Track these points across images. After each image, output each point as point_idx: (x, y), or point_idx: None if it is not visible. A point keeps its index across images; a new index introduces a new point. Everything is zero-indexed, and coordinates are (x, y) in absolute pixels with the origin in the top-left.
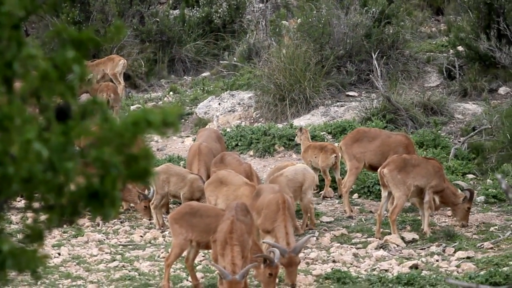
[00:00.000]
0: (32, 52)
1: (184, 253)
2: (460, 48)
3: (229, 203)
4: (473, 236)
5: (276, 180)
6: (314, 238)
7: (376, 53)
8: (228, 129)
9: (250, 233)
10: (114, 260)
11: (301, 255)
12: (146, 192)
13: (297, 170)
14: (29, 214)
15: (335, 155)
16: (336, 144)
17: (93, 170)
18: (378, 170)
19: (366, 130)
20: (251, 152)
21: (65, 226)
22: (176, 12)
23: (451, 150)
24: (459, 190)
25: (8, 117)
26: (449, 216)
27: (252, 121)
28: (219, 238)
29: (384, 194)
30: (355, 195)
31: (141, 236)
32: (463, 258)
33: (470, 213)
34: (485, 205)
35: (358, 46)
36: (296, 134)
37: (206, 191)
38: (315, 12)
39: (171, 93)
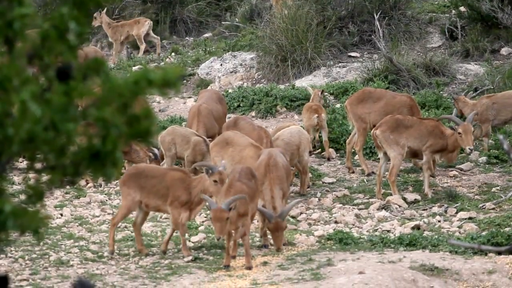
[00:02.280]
0: (25, 12)
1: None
2: (462, 8)
3: (234, 163)
4: (475, 196)
5: (273, 145)
6: (316, 199)
7: (378, 13)
8: (230, 90)
9: (253, 197)
10: None
11: (303, 216)
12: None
13: (292, 133)
14: (31, 175)
15: (316, 115)
16: (338, 105)
17: (94, 130)
18: (372, 131)
19: (371, 90)
20: (253, 113)
21: (67, 187)
22: None
23: (453, 110)
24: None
25: (7, 78)
26: (451, 177)
27: (254, 82)
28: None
29: (380, 155)
30: (357, 156)
31: None
32: (465, 219)
33: (472, 174)
34: (487, 165)
35: (360, 6)
36: None
37: (212, 151)
38: None
39: (173, 54)
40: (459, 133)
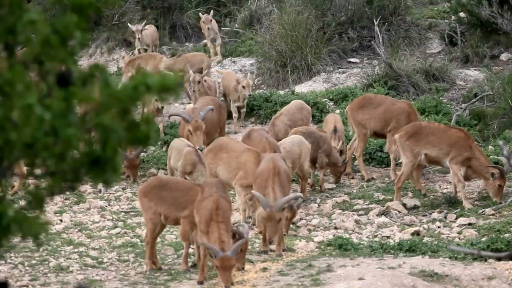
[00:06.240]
0: (33, 18)
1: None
2: (461, 14)
3: (231, 170)
4: (475, 202)
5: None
6: (316, 205)
7: (378, 19)
8: None
9: (230, 210)
10: (116, 227)
11: (302, 221)
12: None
13: (293, 141)
14: (31, 181)
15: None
16: (338, 111)
17: (92, 135)
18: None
19: (372, 96)
20: (253, 119)
21: (67, 192)
22: None
23: (453, 116)
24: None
25: (9, 83)
26: (450, 182)
27: (253, 87)
28: (204, 215)
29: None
30: (357, 162)
31: None
32: (465, 225)
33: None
34: None
35: (359, 12)
36: None
37: (206, 158)
38: None
39: None
40: (499, 185)
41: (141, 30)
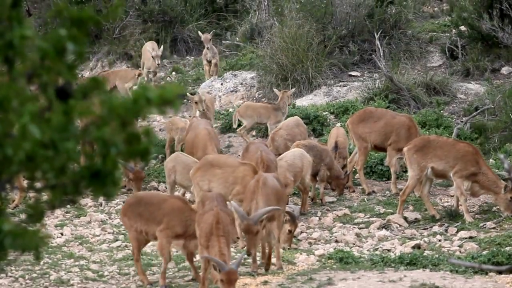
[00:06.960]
0: (27, 34)
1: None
2: (462, 27)
3: (228, 185)
4: (476, 216)
5: (270, 171)
6: (317, 218)
7: (379, 33)
8: (231, 109)
9: (230, 224)
10: (117, 240)
11: (303, 235)
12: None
13: (295, 155)
14: (31, 194)
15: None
16: (338, 124)
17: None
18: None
19: (373, 110)
20: (253, 132)
21: (68, 206)
22: None
23: (454, 130)
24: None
25: (6, 98)
26: (451, 196)
27: (254, 101)
28: (204, 229)
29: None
30: (357, 175)
31: None
32: (466, 238)
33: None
34: None
35: (360, 26)
36: None
37: (195, 176)
38: None
39: (173, 73)
40: (511, 198)
41: (160, 56)
